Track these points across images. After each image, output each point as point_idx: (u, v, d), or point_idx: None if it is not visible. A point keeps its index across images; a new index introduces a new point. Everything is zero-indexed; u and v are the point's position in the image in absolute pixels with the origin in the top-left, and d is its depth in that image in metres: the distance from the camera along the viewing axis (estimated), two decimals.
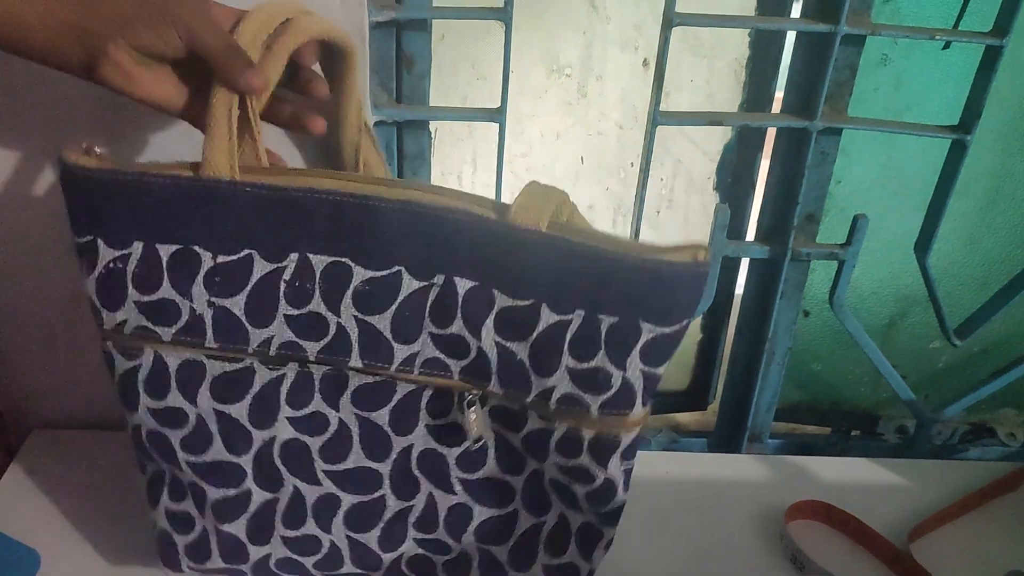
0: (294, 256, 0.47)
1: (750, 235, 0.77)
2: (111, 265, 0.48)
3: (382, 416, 0.51)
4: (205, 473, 0.52)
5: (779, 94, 0.72)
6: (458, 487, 0.53)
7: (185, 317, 0.48)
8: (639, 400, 0.47)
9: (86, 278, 0.48)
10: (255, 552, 0.55)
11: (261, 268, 0.48)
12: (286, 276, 0.48)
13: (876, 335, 0.80)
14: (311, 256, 0.47)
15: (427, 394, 0.50)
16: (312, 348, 0.49)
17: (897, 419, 0.87)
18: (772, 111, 0.72)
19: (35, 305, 0.69)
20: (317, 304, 0.48)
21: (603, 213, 0.77)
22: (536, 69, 0.70)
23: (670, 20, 0.62)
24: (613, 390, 0.46)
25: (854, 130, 0.69)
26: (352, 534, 0.54)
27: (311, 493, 0.53)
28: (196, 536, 0.55)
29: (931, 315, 0.78)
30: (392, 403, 0.50)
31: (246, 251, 0.47)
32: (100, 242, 0.48)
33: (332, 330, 0.48)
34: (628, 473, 0.50)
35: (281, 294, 0.48)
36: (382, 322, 0.48)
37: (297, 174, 0.47)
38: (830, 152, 0.69)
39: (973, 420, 0.87)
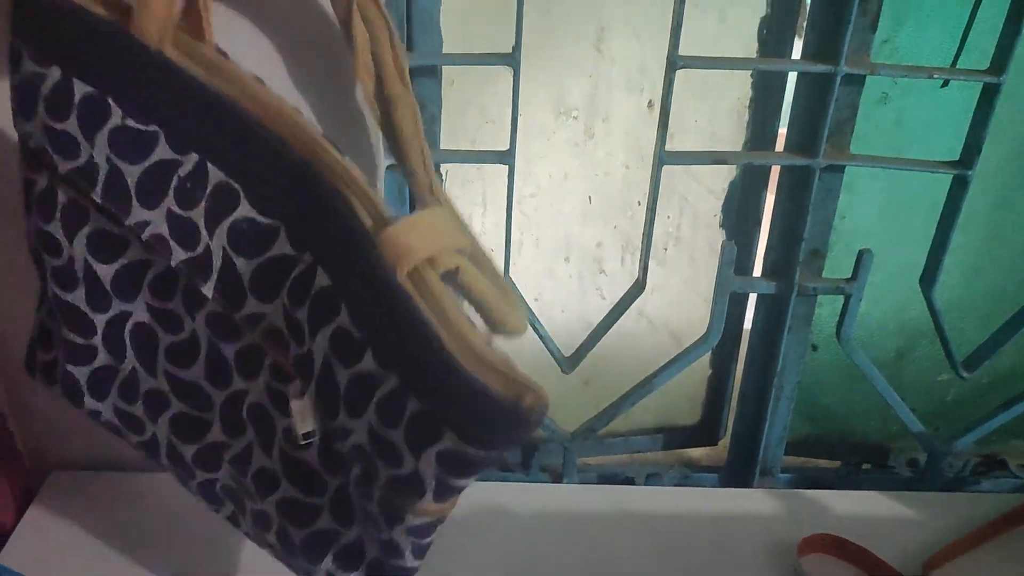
0: (195, 156, 0.45)
1: (757, 271, 0.78)
2: (28, 75, 0.46)
3: (229, 350, 0.49)
4: (64, 310, 0.51)
5: (782, 129, 0.73)
6: (275, 453, 0.50)
7: (83, 158, 0.46)
8: (429, 494, 0.42)
9: (11, 73, 0.47)
10: (90, 403, 0.54)
11: (163, 152, 0.46)
12: (181, 172, 0.45)
13: (884, 368, 0.81)
14: (210, 165, 0.45)
15: (272, 356, 0.48)
16: (178, 254, 0.46)
17: (908, 452, 0.88)
18: (776, 149, 0.74)
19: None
20: (199, 215, 0.45)
21: (611, 251, 0.78)
22: (543, 112, 0.71)
23: (674, 63, 0.64)
24: (403, 471, 0.42)
25: (857, 167, 0.70)
26: (174, 438, 0.53)
27: (146, 381, 0.52)
28: (49, 359, 0.55)
29: (938, 348, 0.79)
30: (239, 345, 0.48)
31: (154, 127, 0.45)
32: (24, 50, 0.46)
33: (200, 248, 0.46)
34: (420, 547, 0.47)
35: (172, 187, 0.46)
36: (246, 268, 0.45)
37: (232, 77, 0.44)
38: (833, 189, 0.70)
39: (984, 452, 0.87)
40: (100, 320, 0.50)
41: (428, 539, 0.47)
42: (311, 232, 0.43)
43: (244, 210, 0.44)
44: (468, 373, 0.38)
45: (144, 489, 0.71)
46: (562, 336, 0.77)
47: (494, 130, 0.71)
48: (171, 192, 0.45)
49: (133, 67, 0.44)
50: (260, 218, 0.44)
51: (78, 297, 0.50)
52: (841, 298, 0.75)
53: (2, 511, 0.68)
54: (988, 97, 0.66)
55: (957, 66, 0.68)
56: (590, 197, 0.76)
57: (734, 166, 0.75)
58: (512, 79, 0.64)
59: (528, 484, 0.79)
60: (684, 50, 0.64)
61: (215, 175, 0.45)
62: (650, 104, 0.72)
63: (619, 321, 0.77)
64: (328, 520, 0.51)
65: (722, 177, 0.76)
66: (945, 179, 0.70)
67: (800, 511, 0.75)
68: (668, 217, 0.77)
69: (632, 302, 0.75)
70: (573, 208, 0.76)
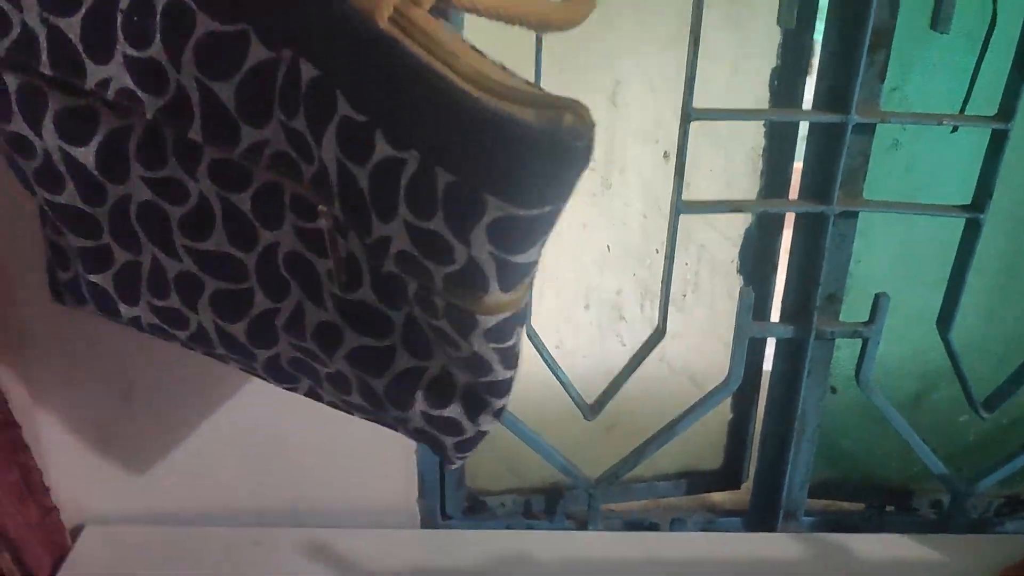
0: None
1: (775, 315, 0.79)
2: None
3: (244, 200, 0.43)
4: (62, 216, 0.46)
5: (797, 163, 0.74)
6: (328, 303, 0.44)
7: (17, 30, 0.41)
8: (494, 283, 0.37)
9: None
10: (125, 310, 0.49)
11: None
12: (122, 4, 0.40)
13: (905, 410, 0.81)
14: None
15: (289, 192, 0.42)
16: (151, 104, 0.41)
17: (931, 493, 0.88)
18: (790, 194, 0.75)
19: (87, 398, 0.72)
20: (158, 51, 0.40)
21: (631, 298, 0.79)
22: None
23: (688, 116, 0.66)
24: (457, 265, 0.36)
25: (870, 213, 0.71)
26: (219, 321, 0.47)
27: (172, 267, 0.47)
28: (71, 276, 0.51)
29: (958, 389, 0.79)
30: (252, 189, 0.43)
31: None
32: None
33: (172, 87, 0.40)
34: (505, 353, 0.41)
35: (119, 26, 0.40)
36: (226, 91, 0.39)
37: None
38: (848, 234, 0.71)
39: (1007, 493, 0.87)
40: (102, 213, 0.46)
41: (511, 341, 0.41)
42: (283, 23, 0.37)
43: (204, 25, 0.38)
44: (490, 108, 0.32)
45: (180, 542, 0.72)
46: (583, 383, 0.78)
47: None
48: (119, 34, 0.40)
49: None
50: (223, 27, 0.38)
51: (70, 195, 0.45)
52: (859, 341, 0.75)
53: (37, 567, 0.69)
54: (997, 142, 0.67)
55: (965, 112, 0.69)
56: (609, 246, 0.77)
57: (750, 213, 0.77)
58: None
59: (553, 532, 0.80)
60: (698, 101, 0.66)
61: None
62: (666, 154, 0.74)
63: (639, 370, 0.78)
64: (405, 358, 0.45)
65: (738, 224, 0.78)
66: (958, 222, 0.71)
67: (825, 555, 0.75)
68: (686, 264, 0.78)
69: (652, 349, 0.76)
70: (592, 257, 0.78)
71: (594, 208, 0.75)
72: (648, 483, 0.88)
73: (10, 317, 0.68)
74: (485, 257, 0.35)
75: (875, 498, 0.89)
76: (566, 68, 0.70)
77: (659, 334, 0.75)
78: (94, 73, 0.41)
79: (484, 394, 0.45)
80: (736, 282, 0.80)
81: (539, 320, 0.76)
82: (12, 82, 0.43)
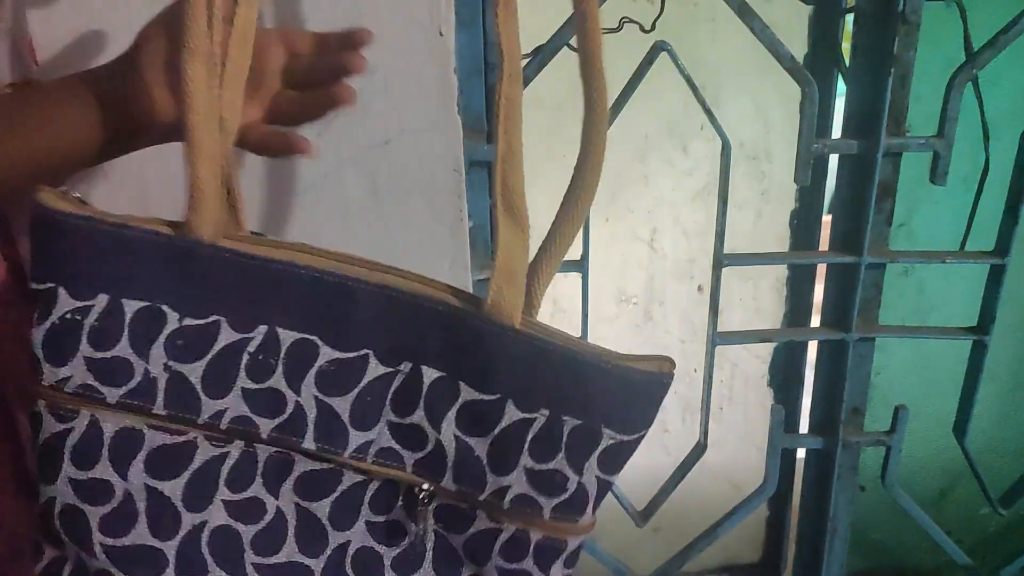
0: (263, 328, 0.46)
1: (803, 426, 0.87)
2: (67, 316, 0.45)
3: (323, 507, 0.48)
4: (120, 559, 0.48)
5: (818, 287, 0.83)
6: None
7: (137, 379, 0.46)
8: (591, 506, 0.46)
9: (35, 327, 0.46)
10: None
11: (227, 336, 0.46)
12: (251, 348, 0.46)
13: (929, 506, 0.89)
14: (280, 330, 0.46)
15: (372, 488, 0.48)
16: (266, 425, 0.46)
17: None
18: (813, 313, 0.84)
19: None
20: (278, 380, 0.46)
21: (673, 414, 0.88)
22: (607, 301, 0.83)
23: (720, 262, 0.75)
24: (568, 493, 0.45)
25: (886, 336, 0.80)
26: None
27: None
28: None
29: (977, 485, 0.87)
30: (336, 494, 0.48)
31: (215, 317, 0.46)
32: (61, 291, 0.45)
33: (289, 408, 0.46)
34: None
35: (243, 366, 0.46)
36: (342, 405, 0.46)
37: (278, 246, 0.46)
38: (867, 355, 0.80)
39: None
40: (171, 546, 0.48)
41: (572, 571, 0.49)
42: (404, 342, 0.45)
43: (326, 355, 0.46)
44: (615, 366, 0.43)
45: None
46: (632, 490, 0.86)
47: (565, 318, 0.82)
48: (241, 371, 0.46)
49: (187, 267, 0.46)
50: (345, 355, 0.46)
51: (139, 535, 0.47)
52: (884, 449, 0.83)
53: None
54: (996, 275, 0.76)
55: (966, 247, 0.78)
56: None
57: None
58: (581, 279, 0.75)
59: None
60: (727, 244, 0.75)
61: (287, 337, 0.46)
62: (700, 288, 0.83)
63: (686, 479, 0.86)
64: None
65: (767, 344, 0.86)
66: (967, 343, 0.80)
67: None
68: (722, 381, 0.87)
69: (695, 462, 0.84)
70: None
71: (638, 337, 0.84)
72: None
73: None
74: (591, 481, 0.45)
75: None
76: (612, 217, 0.79)
77: (701, 449, 0.83)
78: (209, 407, 0.46)
79: None
80: (767, 394, 0.88)
81: None
82: (109, 429, 0.46)
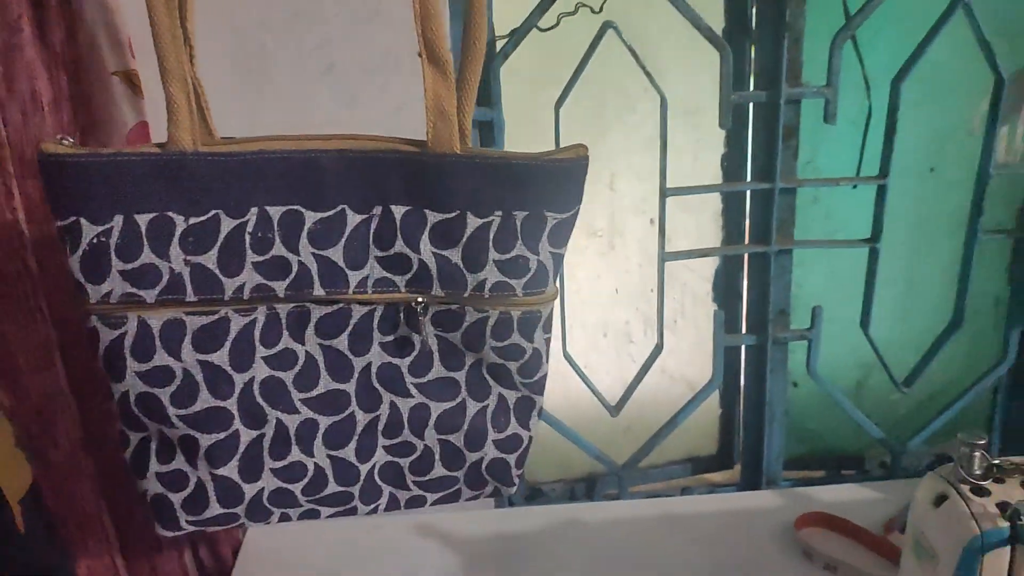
0: (254, 210, 0.53)
1: (743, 329, 1.07)
2: (95, 240, 0.52)
3: (342, 342, 0.57)
4: (195, 423, 0.57)
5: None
6: (414, 391, 0.60)
7: (166, 277, 0.53)
8: (551, 277, 0.57)
9: (69, 258, 0.52)
10: (249, 490, 0.59)
11: (227, 224, 0.53)
12: (249, 228, 0.53)
13: (849, 395, 1.09)
14: (268, 208, 0.53)
15: (378, 314, 0.57)
16: (280, 287, 0.55)
17: (877, 457, 1.15)
18: (743, 240, 1.04)
19: None
20: (279, 248, 0.54)
21: (637, 327, 1.08)
22: (578, 234, 1.02)
23: (664, 192, 0.95)
24: (532, 272, 0.56)
25: (801, 249, 1.00)
26: (332, 452, 0.60)
27: (292, 422, 0.59)
28: (191, 489, 0.59)
29: (886, 375, 1.07)
30: (349, 328, 0.57)
31: (213, 211, 0.53)
32: (83, 221, 0.51)
33: (295, 268, 0.55)
34: (548, 343, 0.61)
35: (247, 244, 0.54)
36: (335, 254, 0.55)
37: (247, 141, 0.53)
38: (787, 266, 1.00)
39: (935, 451, 1.14)
40: (231, 403, 0.57)
41: (550, 334, 0.61)
42: (371, 191, 0.54)
43: (311, 218, 0.54)
44: (544, 161, 0.54)
45: (323, 527, 0.96)
46: (607, 391, 1.06)
47: None
48: (247, 249, 0.54)
49: (180, 175, 0.52)
50: (325, 214, 0.54)
51: (204, 400, 0.56)
52: (806, 344, 1.03)
53: (224, 558, 0.95)
54: (880, 194, 0.96)
55: (860, 174, 0.99)
56: (617, 289, 1.06)
57: (717, 257, 1.06)
58: None
59: (592, 503, 1.07)
60: (670, 183, 0.95)
61: (275, 212, 0.54)
62: (652, 221, 1.03)
63: (647, 378, 1.06)
64: (473, 405, 0.61)
65: (709, 266, 1.07)
66: (865, 251, 1.00)
67: (799, 502, 1.01)
68: (674, 298, 1.07)
69: (655, 361, 1.04)
70: (606, 298, 1.06)
71: (603, 263, 1.04)
72: (661, 468, 1.15)
73: None
74: (547, 256, 0.56)
75: (836, 466, 1.16)
76: None
77: (658, 349, 1.03)
78: (230, 285, 0.54)
79: (532, 395, 0.62)
80: (712, 307, 1.08)
81: (572, 347, 1.05)
82: (155, 322, 0.54)
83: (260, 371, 0.57)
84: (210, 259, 0.53)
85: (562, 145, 0.90)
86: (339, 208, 0.54)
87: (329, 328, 0.57)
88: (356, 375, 0.59)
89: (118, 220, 0.52)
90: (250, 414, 0.58)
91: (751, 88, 0.94)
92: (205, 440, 0.57)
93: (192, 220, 0.53)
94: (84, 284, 0.53)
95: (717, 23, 0.95)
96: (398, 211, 0.54)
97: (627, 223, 1.03)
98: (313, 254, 0.55)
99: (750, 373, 1.07)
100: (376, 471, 0.62)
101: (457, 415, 0.61)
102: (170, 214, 0.52)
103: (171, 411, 0.56)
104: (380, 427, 0.60)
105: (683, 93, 0.97)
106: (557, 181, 0.55)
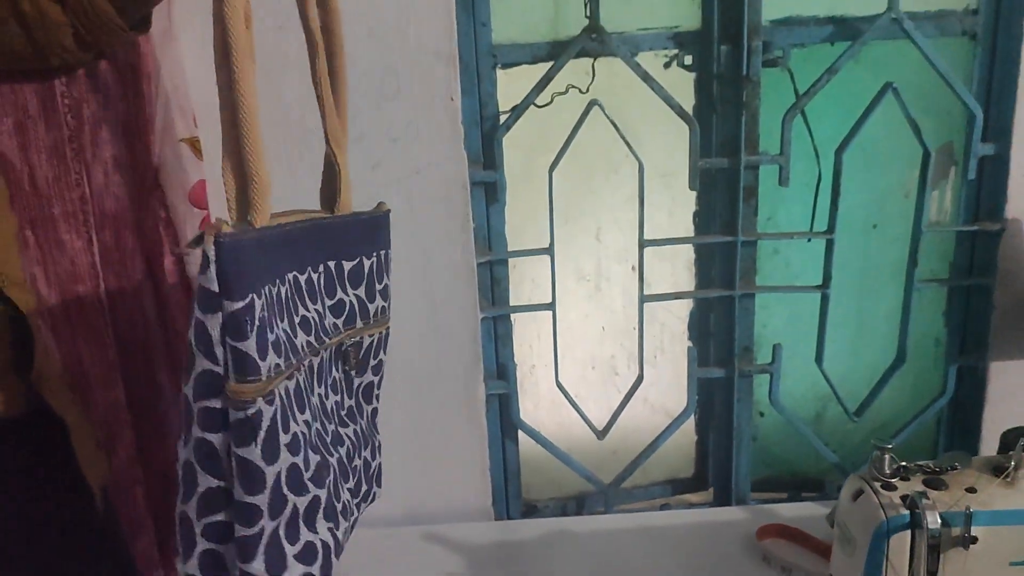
0: (321, 267, 0.64)
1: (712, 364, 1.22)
2: (263, 315, 0.50)
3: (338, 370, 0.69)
4: (316, 482, 0.59)
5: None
6: (365, 414, 0.76)
7: (284, 345, 0.54)
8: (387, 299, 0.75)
9: (245, 341, 0.49)
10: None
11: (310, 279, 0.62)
12: (318, 282, 0.64)
13: (810, 424, 1.23)
14: (330, 264, 0.66)
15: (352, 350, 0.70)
16: (336, 322, 0.66)
17: (836, 480, 1.28)
18: (712, 287, 1.19)
19: None
20: (341, 293, 0.67)
21: (621, 361, 1.22)
22: (568, 278, 1.18)
23: (642, 243, 1.11)
24: (387, 297, 0.74)
25: (764, 294, 1.15)
26: (341, 481, 0.67)
27: (334, 452, 0.66)
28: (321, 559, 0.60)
29: (841, 408, 1.21)
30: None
31: (304, 270, 0.61)
32: (254, 297, 0.49)
33: (347, 307, 0.67)
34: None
35: (319, 294, 0.64)
36: (362, 292, 0.70)
37: (288, 215, 0.62)
38: (749, 307, 1.15)
39: None
40: (327, 458, 0.64)
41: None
42: (366, 242, 0.71)
43: (345, 266, 0.68)
44: (367, 217, 0.73)
45: None
46: (596, 418, 1.20)
47: (540, 292, 1.17)
48: (320, 301, 0.64)
49: (287, 248, 0.58)
50: (348, 263, 0.68)
51: (304, 459, 0.59)
52: (768, 376, 1.18)
53: None
54: (829, 246, 1.12)
55: (812, 229, 1.14)
56: (603, 327, 1.21)
57: (691, 299, 1.21)
58: (550, 262, 1.10)
59: (582, 517, 1.20)
60: (648, 235, 1.11)
61: (327, 267, 0.65)
62: (633, 268, 1.18)
63: (630, 406, 1.20)
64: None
65: (685, 308, 1.22)
66: (817, 296, 1.15)
67: (762, 516, 1.15)
68: (654, 336, 1.22)
69: (636, 391, 1.18)
70: (594, 335, 1.21)
71: (591, 304, 1.20)
72: (644, 488, 1.29)
73: None
74: (387, 285, 0.76)
75: (799, 488, 1.30)
76: (567, 220, 1.15)
77: (639, 380, 1.17)
78: (299, 342, 0.60)
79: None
80: (687, 345, 1.23)
81: (564, 378, 1.19)
82: (286, 392, 0.55)
83: (316, 409, 0.64)
84: (296, 319, 0.58)
85: (555, 204, 1.07)
86: (359, 259, 0.71)
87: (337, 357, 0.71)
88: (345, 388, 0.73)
89: (268, 291, 0.52)
90: (323, 453, 0.62)
91: (715, 156, 1.10)
92: (320, 495, 0.58)
93: (301, 276, 0.58)
94: (258, 363, 0.50)
95: (688, 101, 1.11)
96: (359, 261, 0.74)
97: (612, 269, 1.18)
98: (354, 295, 0.70)
99: (720, 403, 1.22)
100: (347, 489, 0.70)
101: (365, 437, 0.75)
102: (294, 275, 0.57)
103: (269, 470, 0.52)
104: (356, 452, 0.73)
105: (659, 159, 1.13)
106: (377, 228, 0.72)
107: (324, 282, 0.62)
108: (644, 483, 1.28)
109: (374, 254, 0.71)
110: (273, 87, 0.96)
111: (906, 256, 1.12)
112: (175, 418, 0.92)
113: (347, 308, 0.66)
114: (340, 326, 0.65)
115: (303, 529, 0.56)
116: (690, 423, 1.27)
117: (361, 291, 0.69)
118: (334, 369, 0.65)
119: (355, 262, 0.68)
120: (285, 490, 0.53)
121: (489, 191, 1.07)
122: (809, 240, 1.15)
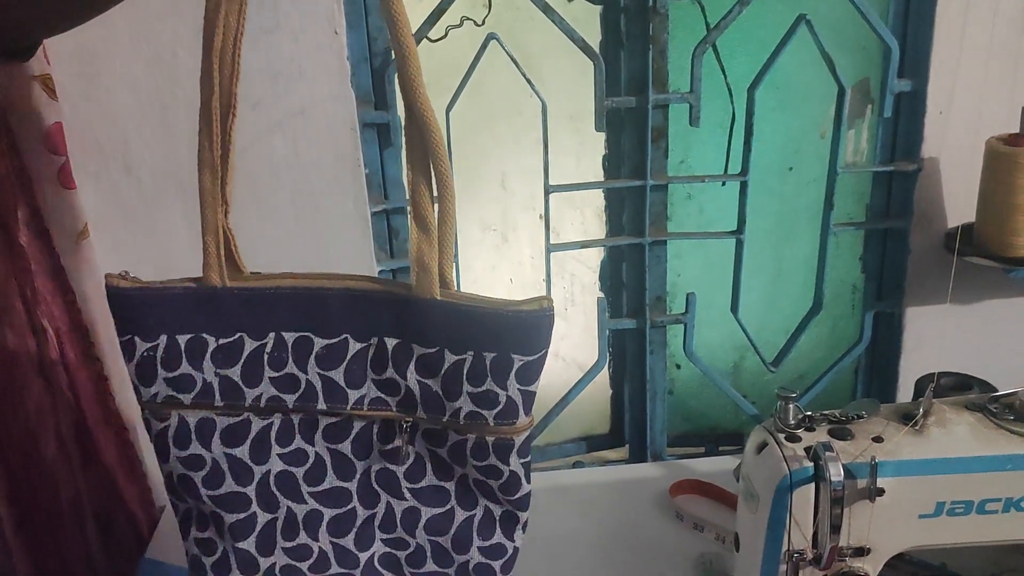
0: (272, 334, 0.64)
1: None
2: (145, 354, 0.64)
3: (346, 447, 0.66)
4: (221, 503, 0.66)
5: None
6: (408, 494, 0.67)
7: (199, 385, 0.64)
8: (521, 411, 0.62)
9: (128, 365, 0.64)
10: (263, 562, 0.68)
11: (250, 345, 0.64)
12: (267, 349, 0.64)
13: (727, 375, 1.19)
14: (284, 334, 0.64)
15: (376, 426, 0.65)
16: (290, 399, 0.64)
17: None
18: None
19: None
20: (291, 367, 0.64)
21: None
22: (474, 228, 1.11)
23: (547, 191, 1.04)
24: (501, 405, 0.62)
25: (678, 241, 1.10)
26: (334, 539, 0.68)
27: (300, 510, 0.67)
28: (219, 556, 0.68)
29: (758, 357, 1.17)
30: (351, 436, 0.66)
31: (238, 334, 0.64)
32: (136, 339, 0.64)
33: (303, 385, 0.64)
34: (526, 467, 0.66)
35: (265, 362, 0.64)
36: (337, 375, 0.64)
37: (268, 278, 0.64)
38: (661, 255, 1.10)
39: None
40: (251, 489, 0.67)
41: (528, 459, 0.66)
42: (370, 324, 0.63)
43: (319, 343, 0.64)
44: (510, 312, 0.60)
45: None
46: None
47: None
48: (265, 366, 0.64)
49: (212, 306, 0.64)
50: (331, 341, 0.63)
51: (228, 485, 0.66)
52: (682, 326, 1.13)
53: (140, 530, 1.01)
54: (743, 189, 1.07)
55: (727, 172, 1.09)
56: (511, 279, 1.15)
57: (601, 248, 1.15)
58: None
59: None
60: (556, 181, 1.04)
61: (290, 337, 0.64)
62: (540, 216, 1.12)
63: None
64: (461, 513, 0.68)
65: (595, 257, 1.16)
66: (732, 242, 1.11)
67: (677, 472, 1.11)
68: (564, 288, 1.16)
69: None
70: (502, 287, 1.15)
71: (498, 255, 1.13)
72: (558, 446, 1.24)
73: None
74: (515, 393, 0.62)
75: (717, 443, 1.26)
76: (468, 166, 1.08)
77: None
78: (250, 394, 0.64)
79: (515, 511, 0.68)
80: (598, 295, 1.18)
81: None
82: (191, 420, 0.65)
83: (275, 465, 0.67)
84: (235, 372, 0.64)
85: (455, 148, 1.00)
86: (343, 336, 0.64)
87: (334, 434, 0.66)
88: (358, 475, 0.67)
89: (163, 339, 0.64)
90: (265, 500, 0.67)
91: (623, 94, 1.04)
92: (229, 517, 0.67)
93: (221, 341, 0.64)
94: (138, 385, 0.65)
95: (594, 36, 1.05)
96: (390, 343, 0.63)
97: (519, 219, 1.12)
98: (319, 374, 0.64)
99: (633, 355, 1.17)
100: (376, 559, 0.69)
101: (445, 520, 0.68)
102: (204, 335, 0.64)
103: (203, 491, 0.66)
104: (376, 523, 0.68)
105: (564, 100, 1.06)
106: (523, 328, 0.61)
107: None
108: (558, 440, 1.24)
109: (468, 352, 0.62)
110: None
111: (822, 199, 1.07)
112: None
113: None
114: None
115: (211, 527, 0.69)
116: (605, 378, 1.22)
117: (433, 382, 0.64)
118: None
119: (431, 350, 0.63)
120: (178, 487, 0.68)
121: (382, 133, 1.00)
122: (723, 184, 1.10)
